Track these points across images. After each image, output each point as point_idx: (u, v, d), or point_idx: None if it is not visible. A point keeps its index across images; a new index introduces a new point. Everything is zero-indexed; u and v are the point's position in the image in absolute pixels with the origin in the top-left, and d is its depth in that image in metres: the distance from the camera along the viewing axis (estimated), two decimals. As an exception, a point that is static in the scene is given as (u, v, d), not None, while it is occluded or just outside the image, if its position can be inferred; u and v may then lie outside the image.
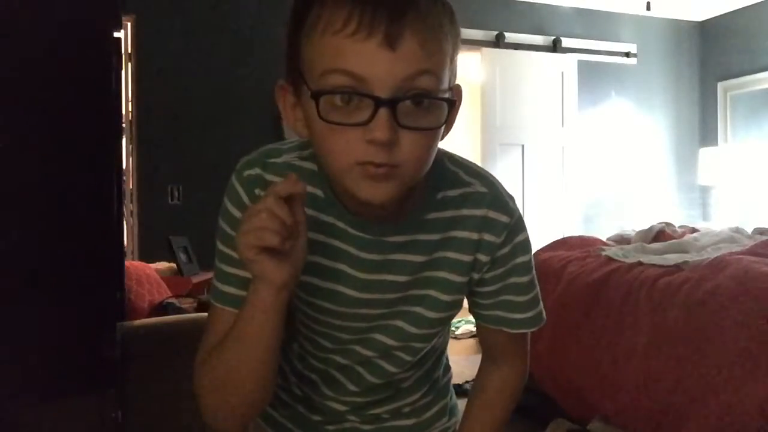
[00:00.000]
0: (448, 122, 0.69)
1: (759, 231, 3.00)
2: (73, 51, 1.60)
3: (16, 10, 1.52)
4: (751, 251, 2.29)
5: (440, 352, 0.96)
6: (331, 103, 0.64)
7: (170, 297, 2.43)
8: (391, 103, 0.63)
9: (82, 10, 1.62)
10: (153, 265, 2.95)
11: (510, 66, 5.02)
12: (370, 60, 0.62)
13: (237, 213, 0.76)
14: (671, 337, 2.03)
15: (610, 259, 2.56)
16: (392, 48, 0.62)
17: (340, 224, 0.77)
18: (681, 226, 3.40)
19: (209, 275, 1.06)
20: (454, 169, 0.81)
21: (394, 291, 0.80)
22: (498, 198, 0.81)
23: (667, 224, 3.24)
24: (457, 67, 0.70)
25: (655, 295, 2.17)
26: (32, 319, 1.54)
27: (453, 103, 0.67)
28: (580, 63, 5.30)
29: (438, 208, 0.79)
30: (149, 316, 2.19)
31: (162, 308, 2.29)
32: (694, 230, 3.29)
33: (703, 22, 5.82)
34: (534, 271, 0.86)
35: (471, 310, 0.88)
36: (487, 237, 0.80)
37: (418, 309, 0.82)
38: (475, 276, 0.82)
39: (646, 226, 3.26)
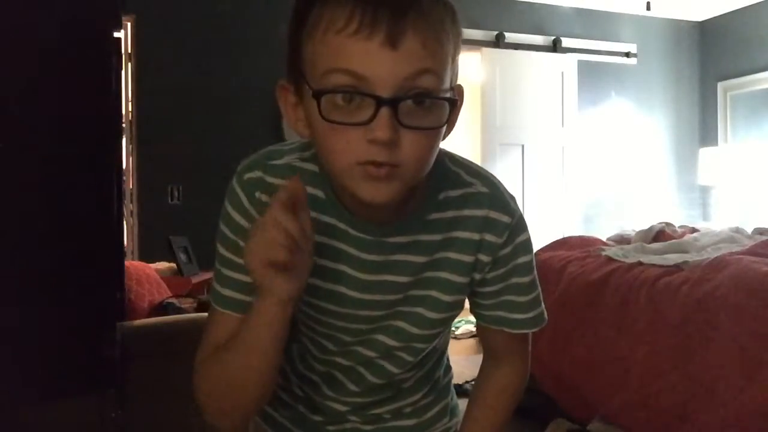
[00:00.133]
0: (450, 122, 0.69)
1: (759, 231, 3.00)
2: (73, 51, 1.61)
3: (16, 10, 1.52)
4: (751, 251, 2.29)
5: (441, 353, 0.96)
6: (332, 102, 0.64)
7: (170, 297, 2.43)
8: (393, 103, 0.62)
9: (82, 10, 1.62)
10: (153, 265, 2.95)
11: (510, 66, 5.01)
12: (371, 59, 0.62)
13: (238, 216, 0.76)
14: (671, 336, 2.03)
15: (610, 259, 2.56)
16: (394, 47, 0.62)
17: (341, 225, 0.77)
18: (681, 226, 3.39)
19: (209, 275, 1.06)
20: (455, 170, 0.81)
21: (395, 292, 0.80)
22: (499, 198, 0.81)
23: (667, 224, 3.24)
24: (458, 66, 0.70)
25: (655, 295, 2.17)
26: (32, 319, 1.54)
27: (454, 102, 0.67)
28: (580, 63, 5.30)
29: (439, 209, 0.78)
30: (149, 316, 2.19)
31: (162, 308, 2.29)
32: (694, 230, 3.28)
33: (703, 22, 5.82)
34: (535, 272, 0.86)
35: (472, 311, 0.88)
36: (489, 237, 0.80)
37: (419, 309, 0.81)
38: (477, 276, 0.82)
39: (646, 226, 3.26)
